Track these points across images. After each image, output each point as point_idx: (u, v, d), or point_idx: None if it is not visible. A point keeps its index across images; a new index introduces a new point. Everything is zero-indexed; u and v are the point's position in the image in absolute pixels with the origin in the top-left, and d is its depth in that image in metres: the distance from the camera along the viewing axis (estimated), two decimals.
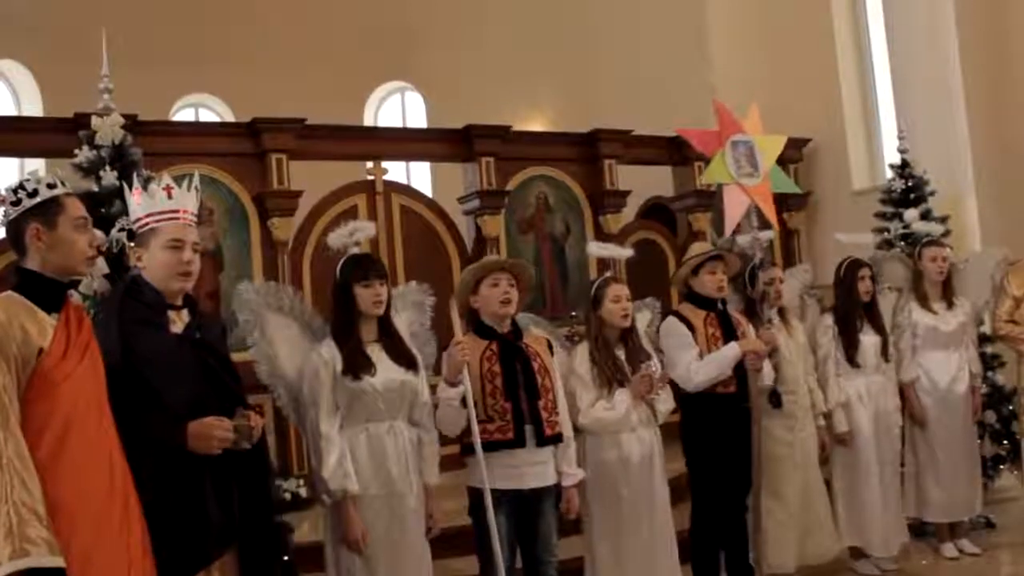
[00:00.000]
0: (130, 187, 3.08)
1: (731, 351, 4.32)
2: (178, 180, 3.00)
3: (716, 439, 4.33)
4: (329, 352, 3.39)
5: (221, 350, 3.03)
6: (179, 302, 2.93)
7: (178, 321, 2.91)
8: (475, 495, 3.62)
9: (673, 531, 4.14)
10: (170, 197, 2.93)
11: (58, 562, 2.26)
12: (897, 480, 5.22)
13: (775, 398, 4.54)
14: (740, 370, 4.34)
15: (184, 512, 2.71)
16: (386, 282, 3.50)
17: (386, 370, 3.41)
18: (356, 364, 3.36)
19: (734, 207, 4.49)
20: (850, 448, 5.03)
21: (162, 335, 2.84)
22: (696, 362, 4.32)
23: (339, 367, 3.36)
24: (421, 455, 3.52)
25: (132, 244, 3.99)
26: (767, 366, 4.44)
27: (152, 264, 2.90)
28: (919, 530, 5.51)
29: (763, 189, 4.57)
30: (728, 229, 4.62)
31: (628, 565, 3.97)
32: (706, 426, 4.36)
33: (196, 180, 3.03)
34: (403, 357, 3.48)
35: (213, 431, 2.73)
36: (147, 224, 2.93)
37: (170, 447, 2.70)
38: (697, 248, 4.71)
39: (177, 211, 2.92)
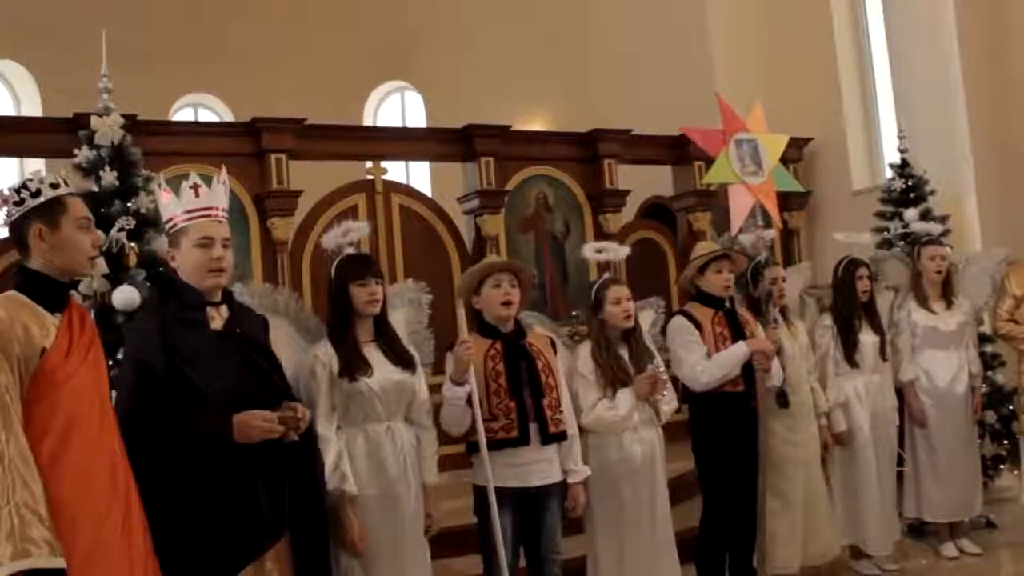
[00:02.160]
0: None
1: (739, 350, 4.30)
2: (207, 177, 3.03)
3: (724, 438, 4.31)
4: (325, 353, 3.37)
5: (263, 343, 3.08)
6: (217, 298, 2.97)
7: (217, 317, 2.95)
8: (480, 493, 3.63)
9: (672, 531, 4.13)
10: (197, 195, 2.97)
11: (59, 563, 2.26)
12: (893, 479, 5.21)
13: (782, 398, 4.52)
14: (747, 369, 4.32)
15: (236, 506, 2.75)
16: (382, 281, 3.49)
17: (383, 370, 3.39)
18: (353, 365, 3.34)
19: (740, 206, 4.47)
20: (848, 447, 5.02)
21: (202, 332, 2.89)
22: (703, 361, 4.31)
23: (336, 368, 3.34)
24: (420, 454, 3.51)
25: (132, 244, 4.02)
26: (776, 366, 4.41)
27: (184, 263, 2.95)
28: (919, 530, 5.51)
29: (767, 187, 4.56)
30: (734, 227, 4.61)
31: (630, 565, 3.97)
32: (715, 424, 4.34)
33: (224, 175, 3.07)
34: (400, 357, 3.47)
35: (255, 420, 2.78)
36: (177, 224, 2.98)
37: (219, 443, 2.75)
38: (703, 247, 4.69)
39: (205, 208, 2.98)
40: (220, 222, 3.00)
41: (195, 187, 2.98)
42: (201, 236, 2.93)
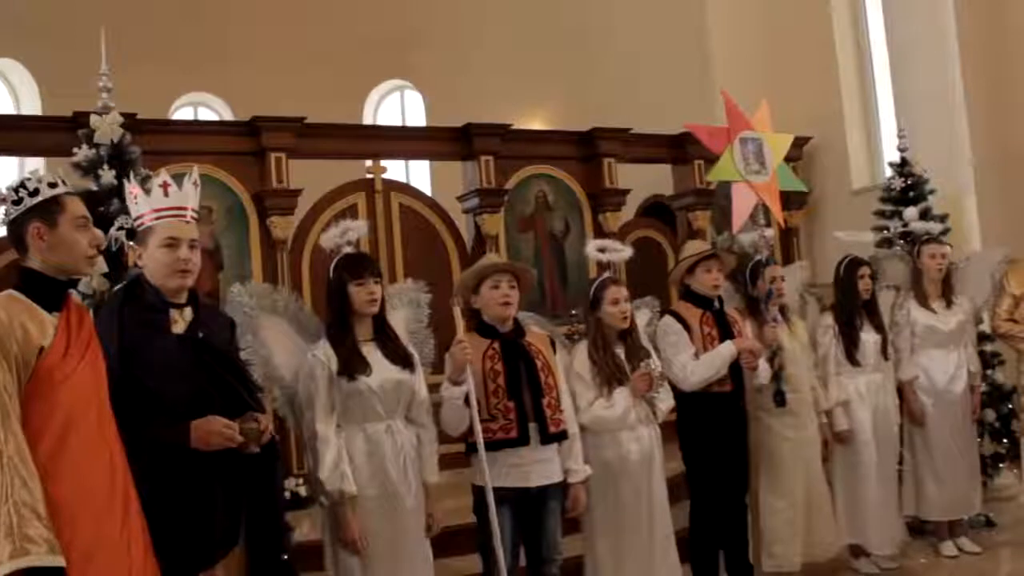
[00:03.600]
0: (127, 186, 3.08)
1: (726, 350, 4.31)
2: (177, 176, 2.98)
3: (713, 438, 4.33)
4: (325, 352, 3.38)
5: (226, 348, 3.02)
6: (182, 300, 2.92)
7: (180, 320, 2.90)
8: (479, 493, 3.62)
9: (672, 530, 4.14)
10: (166, 195, 2.91)
11: (58, 561, 2.26)
12: (896, 478, 5.22)
13: (779, 397, 4.52)
14: (736, 369, 4.33)
15: (191, 515, 2.71)
16: (380, 280, 3.49)
17: (382, 369, 3.40)
18: (352, 364, 3.35)
19: (742, 204, 4.46)
20: (850, 446, 5.03)
21: (162, 336, 2.84)
22: (692, 362, 4.31)
23: (335, 367, 3.35)
24: (420, 454, 3.51)
25: (132, 243, 4.01)
26: (763, 364, 4.43)
27: (150, 263, 2.90)
28: (918, 529, 5.51)
29: (771, 187, 4.55)
30: (736, 226, 4.60)
31: (628, 563, 3.97)
32: (703, 425, 4.35)
33: (195, 175, 3.00)
34: (399, 356, 3.48)
35: (214, 427, 2.74)
36: (144, 222, 2.93)
37: (176, 449, 2.70)
38: (692, 247, 4.69)
39: (174, 208, 2.91)
40: (188, 223, 2.94)
41: (164, 186, 2.92)
42: (168, 236, 2.88)
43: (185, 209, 2.93)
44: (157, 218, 2.90)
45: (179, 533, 2.69)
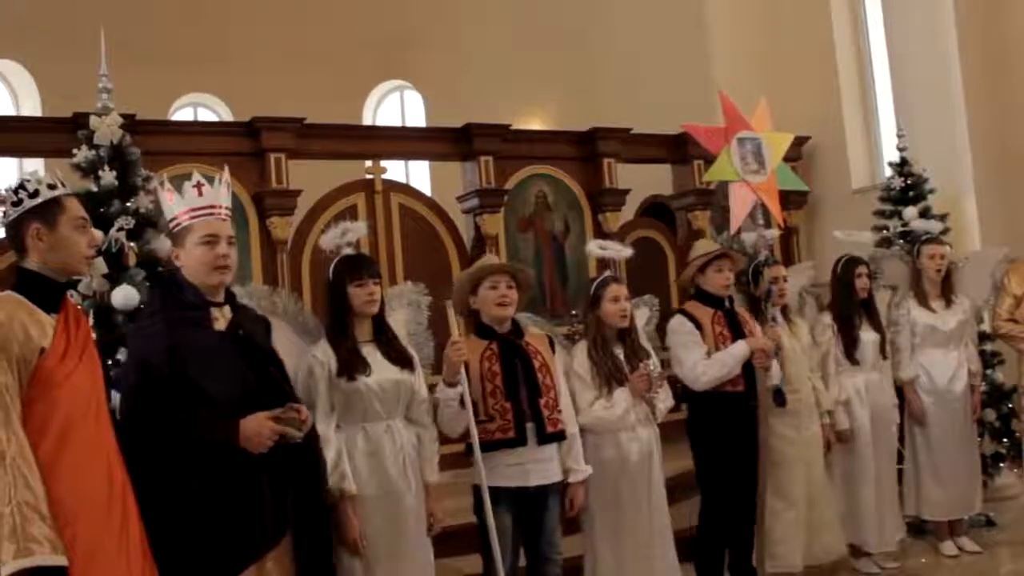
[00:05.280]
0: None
1: (739, 350, 4.30)
2: (209, 177, 3.04)
3: (724, 437, 4.32)
4: (324, 353, 3.38)
5: (265, 345, 3.08)
6: (220, 298, 2.98)
7: (220, 318, 2.96)
8: (479, 493, 3.62)
9: (671, 530, 4.14)
10: (200, 194, 2.98)
11: (61, 561, 2.27)
12: (894, 477, 5.22)
13: (779, 396, 4.51)
14: (748, 368, 4.32)
15: (241, 507, 2.76)
16: (379, 281, 3.50)
17: (381, 370, 3.40)
18: (351, 364, 3.35)
19: (740, 204, 4.45)
20: (848, 445, 5.02)
21: (206, 333, 2.90)
22: (704, 361, 4.31)
23: (334, 368, 3.35)
24: (420, 454, 3.51)
25: (131, 244, 4.01)
26: (775, 364, 4.42)
27: (188, 261, 2.96)
28: (919, 528, 5.51)
29: (770, 186, 4.54)
30: (734, 226, 4.60)
31: (627, 564, 3.97)
32: (714, 424, 4.34)
33: (226, 175, 3.09)
34: (398, 356, 3.48)
35: (264, 428, 2.78)
36: (181, 222, 2.99)
37: (224, 445, 2.75)
38: (703, 246, 4.68)
39: (209, 207, 2.98)
40: (224, 220, 3.01)
41: (198, 186, 2.99)
42: (206, 234, 2.94)
43: (219, 207, 3.00)
44: (193, 217, 2.96)
45: (229, 526, 2.73)
